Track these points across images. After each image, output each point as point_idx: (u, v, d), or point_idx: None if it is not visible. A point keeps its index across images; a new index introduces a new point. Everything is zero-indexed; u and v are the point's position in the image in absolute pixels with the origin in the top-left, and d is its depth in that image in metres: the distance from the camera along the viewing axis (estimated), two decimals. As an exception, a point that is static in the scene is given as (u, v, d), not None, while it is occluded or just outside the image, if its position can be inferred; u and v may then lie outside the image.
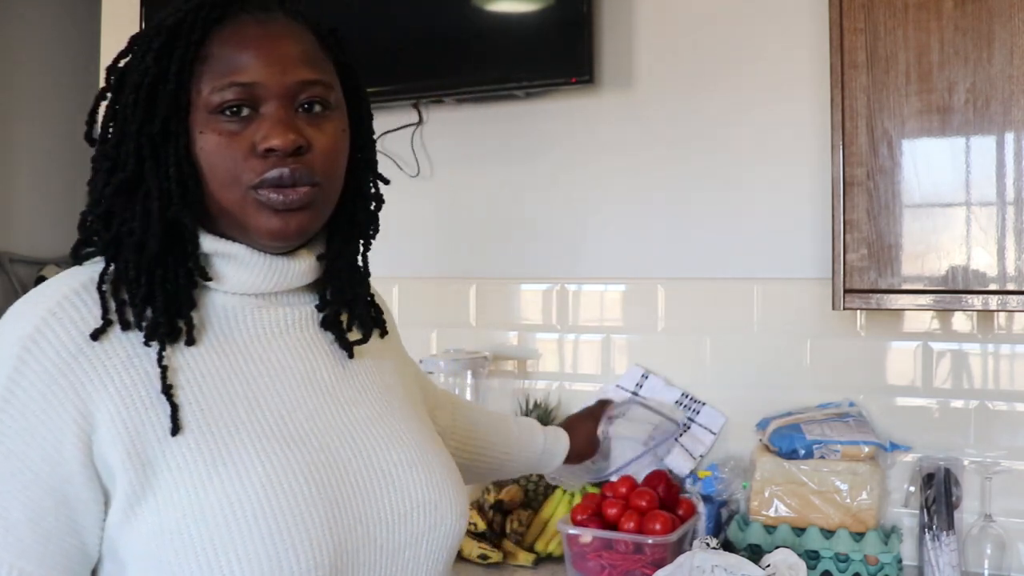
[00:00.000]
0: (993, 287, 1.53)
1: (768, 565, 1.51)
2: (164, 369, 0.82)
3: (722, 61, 2.02)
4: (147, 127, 0.84)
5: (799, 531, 1.72)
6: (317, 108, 0.89)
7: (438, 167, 2.30)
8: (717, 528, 1.83)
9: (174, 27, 0.85)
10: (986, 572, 1.69)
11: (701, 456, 1.97)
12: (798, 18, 1.94)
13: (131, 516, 0.80)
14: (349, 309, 0.98)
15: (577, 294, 2.17)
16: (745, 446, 1.95)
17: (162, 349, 0.83)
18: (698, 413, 2.00)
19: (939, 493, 1.70)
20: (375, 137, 1.05)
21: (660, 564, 1.59)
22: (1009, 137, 1.51)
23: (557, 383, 2.18)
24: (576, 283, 2.17)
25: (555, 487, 2.01)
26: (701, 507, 1.81)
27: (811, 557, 1.69)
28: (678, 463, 1.93)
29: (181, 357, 0.85)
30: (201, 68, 0.85)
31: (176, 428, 0.80)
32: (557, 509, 1.93)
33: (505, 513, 1.93)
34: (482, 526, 1.87)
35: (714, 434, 1.98)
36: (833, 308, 1.64)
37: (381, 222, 1.06)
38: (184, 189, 0.85)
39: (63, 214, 3.26)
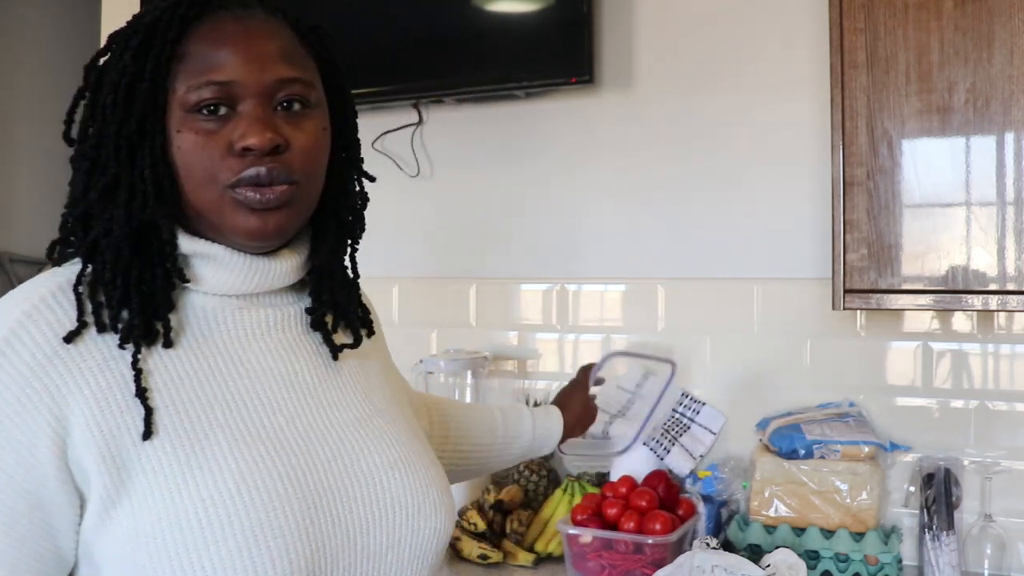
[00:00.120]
0: (993, 287, 1.53)
1: (768, 565, 1.51)
2: (139, 372, 0.81)
3: (722, 61, 2.02)
4: (125, 127, 0.83)
5: (799, 531, 1.72)
6: (296, 106, 0.88)
7: (438, 167, 2.30)
8: (717, 528, 1.83)
9: (151, 25, 0.85)
10: (986, 572, 1.69)
11: (701, 456, 1.97)
12: (798, 18, 1.94)
13: (106, 520, 0.79)
14: (335, 310, 0.97)
15: (577, 294, 2.17)
16: (745, 446, 1.95)
17: (137, 351, 0.82)
18: (698, 413, 2.00)
19: (939, 493, 1.70)
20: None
21: (660, 564, 1.59)
22: (1009, 137, 1.51)
23: (557, 383, 2.17)
24: (576, 283, 2.17)
25: (555, 487, 2.01)
26: (701, 507, 1.81)
27: (811, 557, 1.69)
28: (678, 463, 1.93)
29: (158, 359, 0.84)
30: (178, 66, 0.84)
31: (149, 431, 0.79)
32: (557, 509, 1.93)
33: (505, 513, 1.93)
34: (482, 526, 1.87)
35: (714, 434, 1.98)
36: (833, 308, 1.64)
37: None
38: (159, 190, 0.84)
39: (63, 214, 3.25)
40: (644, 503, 1.72)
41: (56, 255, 0.88)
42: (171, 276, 0.86)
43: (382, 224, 2.34)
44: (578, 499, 1.88)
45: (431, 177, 2.31)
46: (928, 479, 1.74)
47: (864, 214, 1.60)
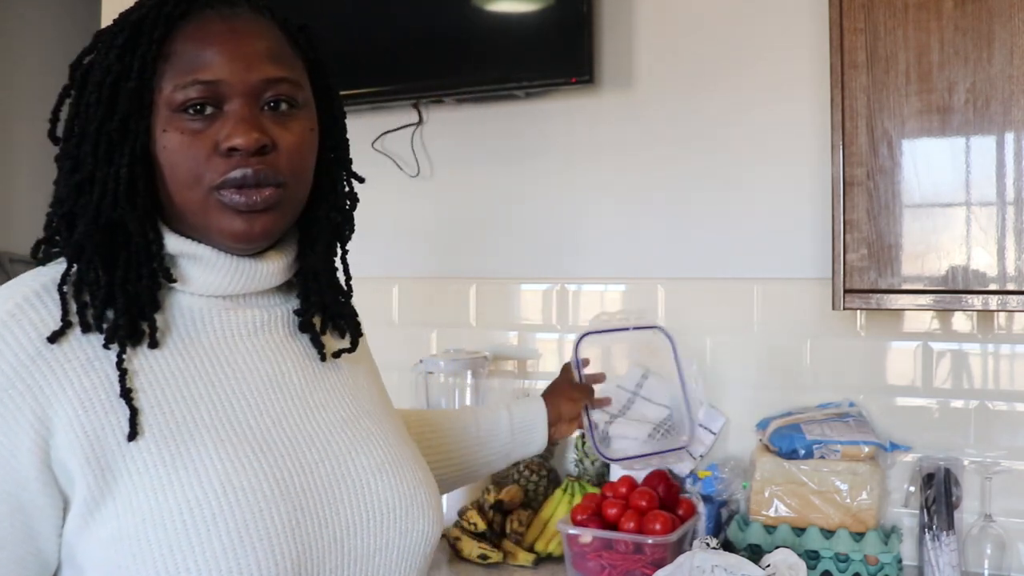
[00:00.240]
0: (993, 287, 1.53)
1: (768, 565, 1.51)
2: (124, 372, 0.80)
3: (722, 61, 2.02)
4: (106, 124, 0.82)
5: (799, 531, 1.72)
6: (283, 106, 0.87)
7: (438, 167, 2.30)
8: (717, 528, 1.83)
9: (137, 23, 0.84)
10: (986, 572, 1.69)
11: (701, 456, 1.97)
12: (798, 18, 1.94)
13: (90, 522, 0.78)
14: (323, 312, 0.96)
15: (577, 294, 2.17)
16: (745, 446, 1.95)
17: (122, 352, 0.81)
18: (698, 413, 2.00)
19: (939, 493, 1.70)
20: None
21: (660, 564, 1.59)
22: (1009, 137, 1.51)
23: (557, 383, 2.18)
24: (576, 283, 2.17)
25: (555, 487, 2.01)
26: (701, 507, 1.81)
27: (811, 557, 1.69)
28: (678, 463, 1.93)
29: (143, 359, 0.83)
30: (164, 65, 0.83)
31: (134, 432, 0.79)
32: (557, 509, 1.93)
33: (505, 513, 1.93)
34: (482, 526, 1.87)
35: (714, 434, 1.98)
36: (833, 308, 1.64)
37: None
38: (133, 190, 0.83)
39: (63, 214, 3.25)
40: (644, 503, 1.72)
41: (41, 254, 0.88)
42: (157, 276, 0.85)
43: (382, 224, 2.36)
44: (578, 499, 1.88)
45: (431, 177, 2.31)
46: (928, 479, 1.74)
47: (864, 214, 1.60)
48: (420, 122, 2.29)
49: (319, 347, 0.94)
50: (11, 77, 3.54)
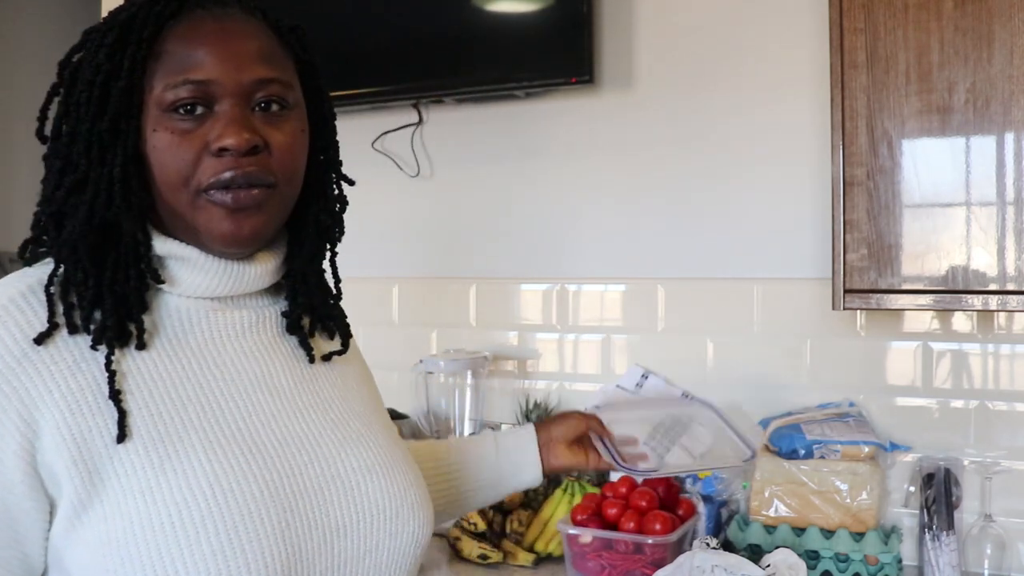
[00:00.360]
0: (993, 287, 1.53)
1: (768, 565, 1.51)
2: (112, 374, 0.79)
3: (722, 61, 2.02)
4: (98, 124, 0.82)
5: (799, 531, 1.72)
6: (274, 107, 0.86)
7: (438, 167, 2.30)
8: (717, 528, 1.83)
9: (127, 22, 0.84)
10: (986, 572, 1.69)
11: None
12: (798, 18, 1.94)
13: (77, 525, 0.77)
14: (312, 313, 0.96)
15: (577, 294, 2.17)
16: (745, 446, 1.95)
17: (111, 353, 0.80)
18: (698, 413, 2.00)
19: (939, 493, 1.70)
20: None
21: (660, 564, 1.59)
22: (1009, 137, 1.51)
23: (557, 383, 2.18)
24: (576, 283, 2.17)
25: (555, 487, 2.01)
26: (701, 507, 1.80)
27: (811, 557, 1.69)
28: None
29: (131, 361, 0.82)
30: (155, 65, 0.83)
31: (123, 434, 0.78)
32: (557, 509, 1.93)
33: (505, 513, 1.93)
34: (482, 526, 1.87)
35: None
36: (833, 308, 1.64)
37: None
38: (128, 190, 0.82)
39: (63, 214, 3.25)
40: (644, 503, 1.72)
41: (28, 255, 0.87)
42: (145, 277, 0.84)
43: (382, 224, 2.36)
44: (578, 499, 1.88)
45: (431, 177, 2.31)
46: (928, 479, 1.74)
47: (864, 214, 1.60)
48: (420, 122, 2.29)
49: (308, 349, 0.94)
50: (11, 77, 3.54)
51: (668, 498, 1.77)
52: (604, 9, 2.10)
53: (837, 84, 1.60)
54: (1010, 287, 1.52)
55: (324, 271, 0.99)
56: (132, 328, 0.83)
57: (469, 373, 2.13)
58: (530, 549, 1.88)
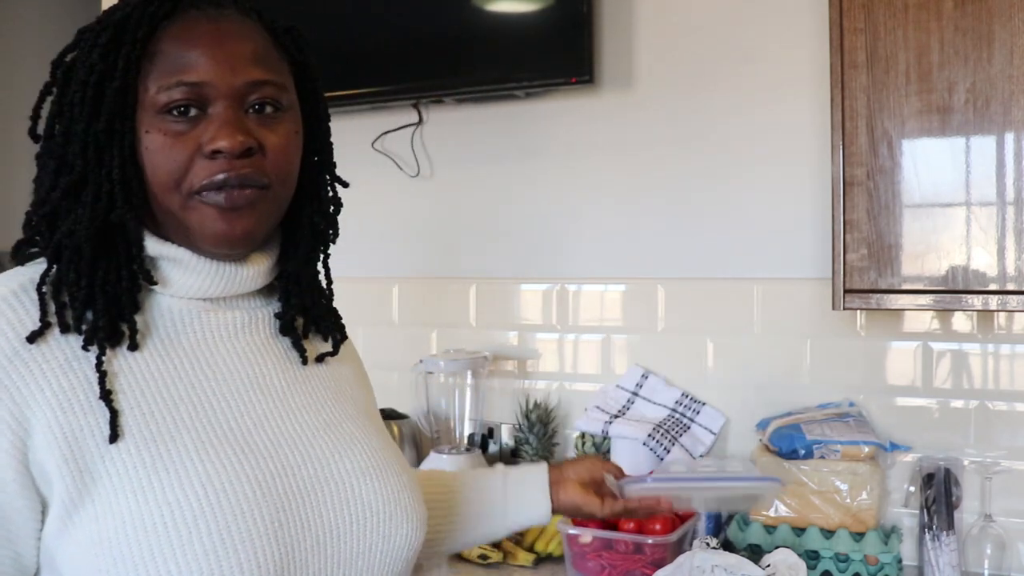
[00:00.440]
0: (993, 287, 1.53)
1: (768, 565, 1.51)
2: (103, 374, 0.79)
3: (722, 61, 2.02)
4: (93, 126, 0.82)
5: (799, 531, 1.72)
6: (268, 109, 0.86)
7: (438, 167, 2.30)
8: (717, 528, 1.83)
9: (121, 22, 0.83)
10: (986, 572, 1.69)
11: (701, 456, 1.97)
12: (798, 18, 1.94)
13: (68, 524, 0.77)
14: (305, 315, 0.96)
15: (577, 294, 2.17)
16: (745, 446, 1.95)
17: (102, 353, 0.80)
18: (698, 413, 2.00)
19: (939, 493, 1.70)
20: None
21: (660, 564, 1.59)
22: (1009, 137, 1.51)
23: (557, 383, 2.18)
24: (576, 283, 2.17)
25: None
26: (701, 507, 1.81)
27: (811, 557, 1.69)
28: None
29: (123, 361, 0.82)
30: (148, 66, 0.82)
31: (115, 434, 0.78)
32: (557, 509, 1.93)
33: (505, 513, 1.93)
34: (482, 526, 1.87)
35: (714, 434, 1.98)
36: (833, 308, 1.64)
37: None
38: (128, 191, 0.82)
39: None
40: (644, 503, 1.72)
41: (21, 255, 0.87)
42: (137, 278, 0.84)
43: (382, 224, 2.36)
44: (578, 499, 1.88)
45: (431, 177, 2.31)
46: (928, 479, 1.74)
47: (864, 214, 1.60)
48: (420, 122, 2.29)
49: (300, 350, 0.94)
50: (11, 77, 3.54)
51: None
52: (604, 9, 2.10)
53: (837, 84, 1.61)
54: (1010, 287, 1.52)
55: (318, 272, 0.99)
56: (124, 328, 0.83)
57: (469, 373, 2.13)
58: (530, 549, 1.88)
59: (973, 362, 1.82)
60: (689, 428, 1.99)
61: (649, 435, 1.93)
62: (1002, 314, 1.79)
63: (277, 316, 0.94)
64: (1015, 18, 1.50)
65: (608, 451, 2.00)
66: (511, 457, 2.16)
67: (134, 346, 0.83)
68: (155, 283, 0.86)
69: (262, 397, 0.88)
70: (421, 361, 2.13)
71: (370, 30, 2.20)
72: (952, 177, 1.56)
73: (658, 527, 1.66)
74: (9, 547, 0.78)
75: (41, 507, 0.78)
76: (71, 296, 0.81)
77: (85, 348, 0.80)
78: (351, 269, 2.28)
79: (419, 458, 2.14)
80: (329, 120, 0.98)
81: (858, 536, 1.70)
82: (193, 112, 0.83)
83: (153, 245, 0.85)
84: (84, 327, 0.81)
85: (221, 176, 0.83)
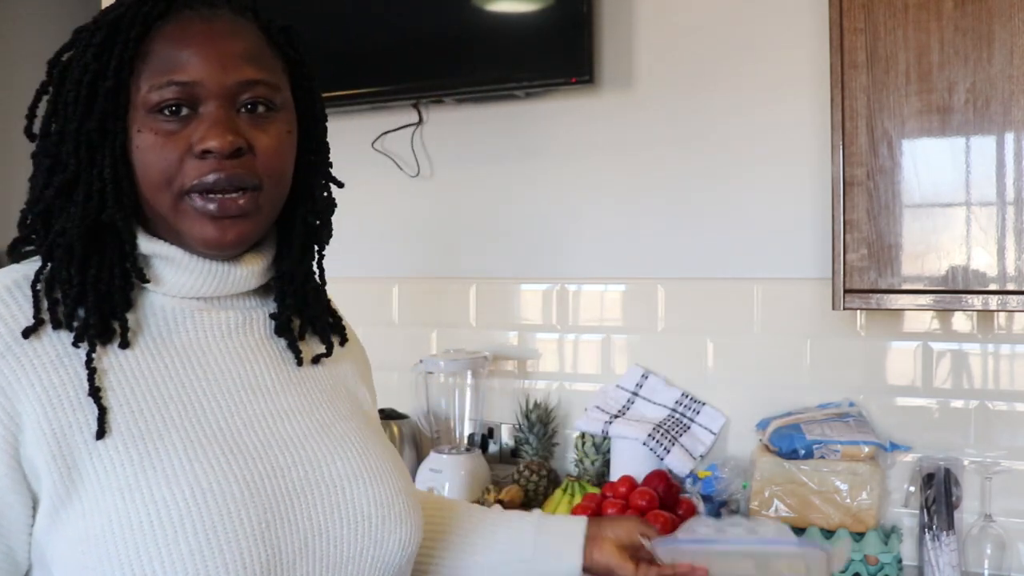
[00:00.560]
0: (993, 287, 1.53)
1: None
2: (92, 371, 0.79)
3: (722, 61, 2.02)
4: (86, 124, 0.82)
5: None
6: (261, 109, 0.86)
7: (438, 167, 2.30)
8: (717, 528, 1.83)
9: (115, 22, 0.84)
10: (986, 572, 1.69)
11: (701, 456, 1.97)
12: (798, 18, 1.94)
13: (56, 521, 0.77)
14: (301, 316, 0.95)
15: (577, 294, 2.17)
16: (745, 446, 1.95)
17: (92, 350, 0.80)
18: (698, 413, 2.00)
19: (939, 493, 1.70)
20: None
21: (660, 564, 1.58)
22: (1009, 137, 1.51)
23: (557, 383, 2.18)
24: (576, 283, 2.16)
25: (555, 487, 2.01)
26: (701, 507, 1.80)
27: (811, 557, 1.69)
28: (678, 463, 1.93)
29: (113, 358, 0.82)
30: (141, 65, 0.83)
31: (103, 431, 0.78)
32: (557, 509, 1.93)
33: (505, 513, 1.92)
34: (482, 526, 1.87)
35: (714, 434, 1.98)
36: (833, 308, 1.64)
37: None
38: (119, 190, 0.82)
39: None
40: (644, 503, 1.72)
41: (17, 252, 0.87)
42: (130, 276, 0.84)
43: (382, 224, 2.36)
44: (578, 499, 1.88)
45: (431, 177, 2.30)
46: (928, 479, 1.74)
47: (864, 214, 1.60)
48: (420, 122, 2.29)
49: (296, 351, 0.93)
50: (11, 77, 3.54)
51: (668, 498, 1.77)
52: (604, 9, 2.10)
53: (837, 84, 1.60)
54: (1010, 287, 1.52)
55: (314, 272, 0.98)
56: (115, 326, 0.83)
57: (469, 373, 2.13)
58: None
59: (973, 362, 1.82)
60: (689, 428, 1.99)
61: (649, 435, 1.93)
62: (1002, 314, 1.79)
63: (272, 317, 0.93)
64: (1015, 18, 1.49)
65: (608, 451, 2.01)
66: (511, 457, 2.16)
67: (125, 343, 0.83)
68: (147, 281, 0.86)
69: (254, 398, 0.88)
70: (421, 361, 2.12)
71: (370, 30, 2.20)
72: (952, 177, 1.56)
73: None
74: (2, 541, 0.79)
75: (32, 503, 0.78)
76: (63, 293, 0.82)
77: (75, 344, 0.80)
78: (351, 269, 2.28)
79: (419, 458, 2.13)
80: (325, 120, 0.97)
81: (858, 536, 1.70)
82: (184, 112, 0.83)
83: (146, 243, 0.86)
84: (75, 324, 0.81)
85: (212, 176, 0.82)
